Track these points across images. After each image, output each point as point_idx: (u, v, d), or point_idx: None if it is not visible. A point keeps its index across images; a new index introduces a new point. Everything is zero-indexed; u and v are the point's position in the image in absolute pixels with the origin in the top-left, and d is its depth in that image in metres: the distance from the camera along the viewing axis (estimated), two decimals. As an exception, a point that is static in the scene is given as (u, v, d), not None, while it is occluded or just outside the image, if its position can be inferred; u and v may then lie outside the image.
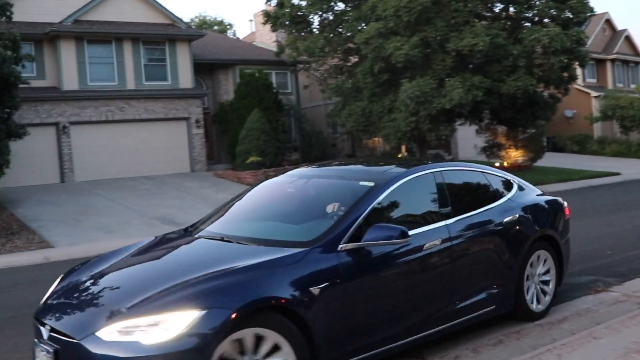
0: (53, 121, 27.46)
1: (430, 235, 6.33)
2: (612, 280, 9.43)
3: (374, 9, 24.37)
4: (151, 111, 29.60)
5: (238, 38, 51.71)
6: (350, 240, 5.64)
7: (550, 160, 34.10)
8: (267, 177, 25.04)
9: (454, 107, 23.50)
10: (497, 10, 27.83)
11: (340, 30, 27.94)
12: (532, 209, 7.70)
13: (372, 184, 6.35)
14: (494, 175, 7.74)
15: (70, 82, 27.95)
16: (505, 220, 7.22)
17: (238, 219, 6.98)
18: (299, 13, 28.29)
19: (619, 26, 51.48)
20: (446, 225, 6.54)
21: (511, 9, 27.28)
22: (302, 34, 29.12)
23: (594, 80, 46.31)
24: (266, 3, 30.55)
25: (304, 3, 27.48)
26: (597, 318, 7.51)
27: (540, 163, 33.16)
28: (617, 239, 13.23)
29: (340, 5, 27.99)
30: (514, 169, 31.78)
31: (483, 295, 6.86)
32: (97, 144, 28.26)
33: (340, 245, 5.59)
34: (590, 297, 8.51)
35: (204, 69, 32.89)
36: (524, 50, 24.72)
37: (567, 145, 43.15)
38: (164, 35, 30.05)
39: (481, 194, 7.42)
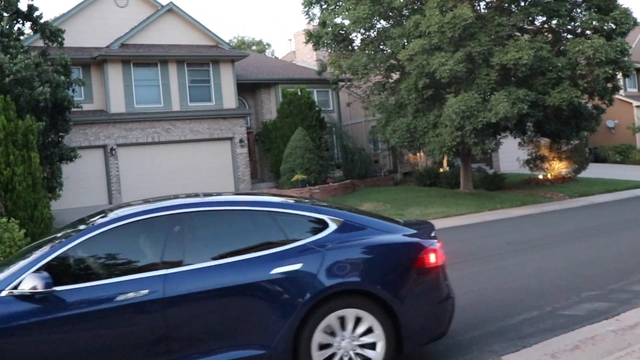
0: (101, 144, 28.03)
1: (132, 286, 5.72)
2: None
3: (418, 25, 24.50)
4: (196, 132, 30.07)
5: (277, 57, 52.19)
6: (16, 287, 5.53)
7: (593, 171, 33.96)
8: (313, 195, 25.28)
9: (500, 120, 23.50)
10: (538, 23, 27.82)
11: (382, 47, 28.14)
12: (334, 257, 6.21)
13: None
14: (289, 215, 6.47)
15: (117, 104, 28.52)
16: (274, 272, 6.03)
17: None
18: (341, 32, 28.53)
19: (659, 35, 50.98)
20: (163, 275, 5.83)
21: (553, 22, 27.25)
22: (344, 51, 29.35)
23: (635, 90, 45.92)
24: (308, 23, 30.86)
25: (346, 22, 27.71)
26: (670, 323, 7.57)
27: (584, 174, 33.01)
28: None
29: (383, 23, 28.19)
30: (558, 180, 31.74)
31: None
32: (144, 165, 28.77)
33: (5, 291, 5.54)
34: (659, 303, 8.55)
35: (247, 88, 33.33)
36: (568, 62, 24.64)
37: (609, 156, 42.82)
38: (208, 57, 30.53)
39: (245, 239, 6.34)
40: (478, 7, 26.88)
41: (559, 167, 32.52)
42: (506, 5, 26.43)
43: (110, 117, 28.18)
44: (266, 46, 69.63)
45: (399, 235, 6.63)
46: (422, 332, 6.42)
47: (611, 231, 16.73)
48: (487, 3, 27.34)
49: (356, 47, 29.16)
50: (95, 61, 28.35)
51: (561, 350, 6.83)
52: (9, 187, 18.08)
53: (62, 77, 22.01)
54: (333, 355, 6.08)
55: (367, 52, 27.79)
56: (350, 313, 6.11)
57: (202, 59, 30.52)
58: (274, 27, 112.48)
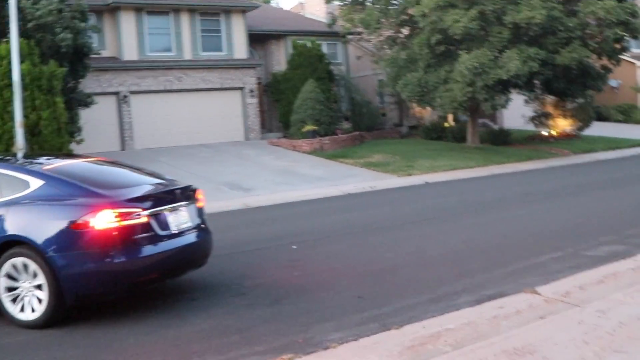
0: (114, 90, 28.31)
1: None
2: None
3: (432, -19, 24.81)
4: (207, 81, 30.40)
5: (286, 10, 52.16)
6: None
7: (596, 129, 34.51)
8: (323, 146, 25.71)
9: (510, 77, 23.96)
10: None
11: (394, 1, 28.40)
12: (13, 214, 7.29)
13: None
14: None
15: (130, 52, 28.77)
16: None
17: None
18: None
19: (664, -4, 51.14)
20: None
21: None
22: (356, 5, 29.61)
23: (639, 51, 46.21)
24: (320, -26, 31.07)
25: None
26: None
27: (587, 132, 33.59)
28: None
29: (396, -23, 28.43)
30: (562, 137, 32.31)
31: None
32: (156, 113, 29.07)
33: None
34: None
35: (256, 39, 33.53)
36: (579, 23, 25.04)
37: (611, 115, 43.27)
38: (220, 6, 30.72)
39: None
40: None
41: (563, 124, 33.08)
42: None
43: (123, 65, 28.46)
44: (272, -3, 69.21)
45: (78, 200, 7.21)
46: (84, 289, 7.10)
47: (619, 185, 17.40)
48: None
49: (368, 2, 29.41)
50: (108, 8, 28.52)
51: (587, 283, 7.47)
52: (35, 131, 18.57)
53: (82, 24, 22.31)
54: (19, 295, 7.13)
55: (378, 6, 28.06)
56: (20, 261, 7.10)
57: (214, 8, 30.72)
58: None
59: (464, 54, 24.41)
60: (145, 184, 8.05)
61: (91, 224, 6.94)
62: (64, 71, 20.02)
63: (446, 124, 33.76)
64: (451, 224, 12.84)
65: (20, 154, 13.29)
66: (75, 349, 6.43)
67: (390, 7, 28.20)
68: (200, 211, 8.38)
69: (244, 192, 20.29)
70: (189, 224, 7.97)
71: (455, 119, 34.07)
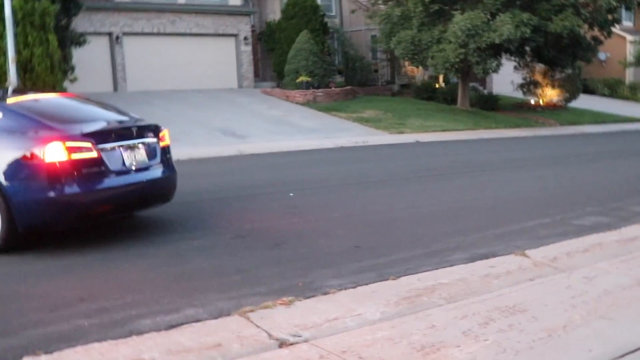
0: (106, 31, 28.08)
1: None
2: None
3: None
4: (201, 26, 30.28)
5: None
6: None
7: (583, 102, 34.84)
8: (316, 98, 25.86)
9: (503, 42, 24.16)
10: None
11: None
12: None
13: None
14: None
15: (124, -8, 28.50)
16: None
17: None
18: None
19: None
20: None
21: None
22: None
23: (630, 24, 46.29)
24: None
25: None
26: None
27: (574, 104, 33.90)
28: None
29: None
30: (549, 107, 32.64)
31: None
32: (149, 56, 28.95)
33: None
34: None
35: (252, -14, 33.40)
36: (573, -10, 25.28)
37: (598, 88, 43.57)
38: (217, -51, 30.49)
39: None
40: None
41: (551, 94, 33.35)
42: None
43: (116, 5, 28.13)
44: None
45: (31, 132, 7.51)
46: (33, 218, 7.44)
47: (605, 159, 17.79)
48: None
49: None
50: (103, -56, 28.19)
51: (574, 251, 7.80)
52: (28, 68, 18.57)
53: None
54: None
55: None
56: None
57: (211, -50, 30.49)
58: None
59: (458, 14, 24.57)
60: (104, 121, 8.36)
61: (41, 156, 7.27)
62: (56, 8, 19.90)
63: (437, 85, 33.96)
64: (443, 183, 13.19)
65: (10, 89, 13.46)
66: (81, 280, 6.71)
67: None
68: (164, 150, 8.68)
69: (238, 139, 20.51)
70: (148, 162, 8.28)
71: (446, 81, 34.25)
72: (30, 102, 8.43)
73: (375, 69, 36.04)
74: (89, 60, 26.40)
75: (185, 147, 17.98)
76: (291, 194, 11.31)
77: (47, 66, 18.94)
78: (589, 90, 42.55)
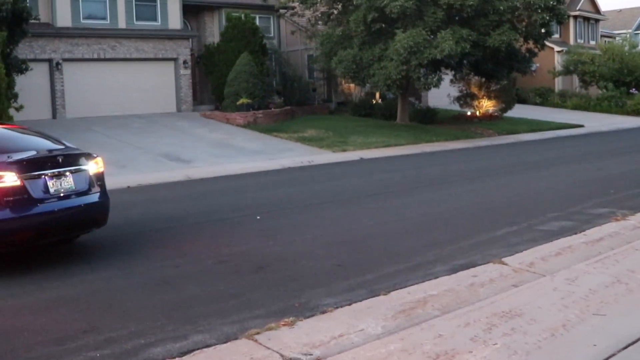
0: (47, 57, 27.86)
1: None
2: (625, 211, 10.92)
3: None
4: (141, 50, 30.21)
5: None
6: None
7: (517, 111, 35.91)
8: (257, 119, 25.92)
9: (444, 57, 24.81)
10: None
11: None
12: None
13: None
14: None
15: (64, 18, 28.28)
16: None
17: None
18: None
19: (581, -16, 53.27)
20: None
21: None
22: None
23: (557, 36, 47.97)
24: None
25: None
26: (627, 238, 9.03)
27: (509, 114, 34.88)
28: (611, 181, 14.84)
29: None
30: (486, 118, 33.51)
31: None
32: (89, 82, 28.73)
33: None
34: (613, 223, 10.03)
35: (190, 11, 33.41)
36: (510, 7, 26.09)
37: (529, 97, 45.01)
38: (155, -24, 30.51)
39: None
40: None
41: (487, 105, 34.26)
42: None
43: (56, 31, 27.96)
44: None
45: None
46: None
47: (551, 165, 18.45)
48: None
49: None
50: (41, -27, 27.98)
51: (547, 255, 8.20)
52: (-27, 97, 18.31)
53: (19, -12, 21.89)
54: None
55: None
56: None
57: (149, -23, 30.50)
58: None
59: (400, 32, 25.11)
60: (31, 150, 8.47)
61: None
62: (4, 35, 19.73)
63: (374, 101, 34.50)
64: (402, 199, 13.47)
65: None
66: (76, 312, 6.74)
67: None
68: (97, 177, 8.90)
69: (183, 164, 20.49)
70: (75, 189, 8.45)
71: (382, 97, 34.81)
72: None
73: (313, 88, 36.39)
74: (29, 87, 26.06)
75: (131, 174, 17.96)
76: (258, 217, 11.42)
77: (-5, 94, 18.71)
78: (521, 99, 43.83)
